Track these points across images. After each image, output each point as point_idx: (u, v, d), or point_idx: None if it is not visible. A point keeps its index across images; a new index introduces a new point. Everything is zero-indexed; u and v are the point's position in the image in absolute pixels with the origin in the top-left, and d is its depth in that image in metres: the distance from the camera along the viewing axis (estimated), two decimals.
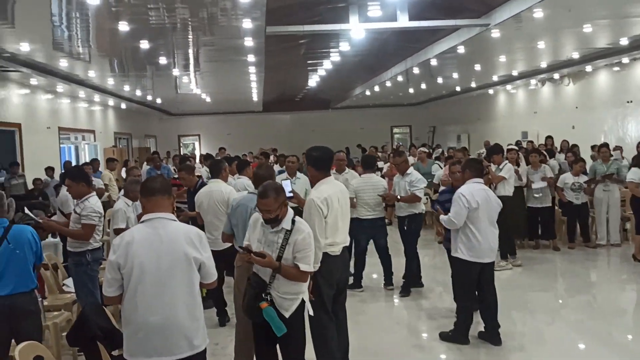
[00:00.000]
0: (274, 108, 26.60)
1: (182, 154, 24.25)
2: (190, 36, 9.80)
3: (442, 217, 5.36)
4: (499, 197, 8.05)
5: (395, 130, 30.67)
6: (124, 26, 8.37)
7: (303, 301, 3.80)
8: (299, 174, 7.97)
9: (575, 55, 14.41)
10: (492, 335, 5.33)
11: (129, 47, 10.56)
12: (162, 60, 11.95)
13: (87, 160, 16.53)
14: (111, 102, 19.27)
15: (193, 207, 6.51)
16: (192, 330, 3.15)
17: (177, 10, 7.90)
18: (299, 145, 23.78)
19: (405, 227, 7.09)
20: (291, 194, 5.07)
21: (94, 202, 5.37)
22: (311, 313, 3.91)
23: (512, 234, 8.42)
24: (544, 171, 9.16)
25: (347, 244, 4.56)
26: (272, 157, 15.80)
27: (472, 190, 5.20)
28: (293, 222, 3.76)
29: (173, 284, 3.11)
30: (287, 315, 3.71)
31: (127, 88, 16.63)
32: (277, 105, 26.52)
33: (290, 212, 3.84)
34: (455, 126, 26.95)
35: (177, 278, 3.12)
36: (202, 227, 5.60)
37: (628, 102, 15.00)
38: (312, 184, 4.52)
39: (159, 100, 21.09)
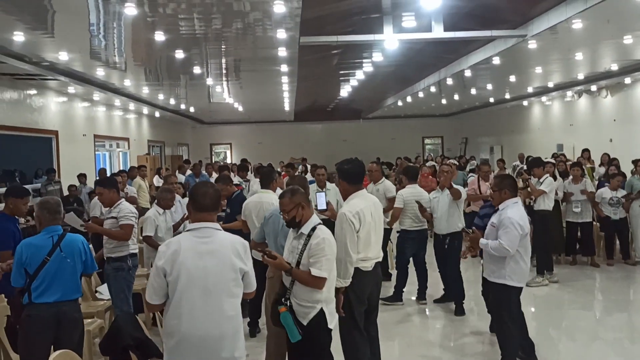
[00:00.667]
0: (305, 117, 26.68)
1: (213, 161, 24.49)
2: (224, 46, 9.89)
3: (490, 243, 4.85)
4: (539, 211, 7.99)
5: (427, 141, 30.41)
6: (159, 36, 8.50)
7: (322, 312, 3.73)
8: (328, 185, 7.96)
9: (614, 67, 14.06)
10: (529, 353, 5.14)
11: (163, 56, 10.73)
12: (196, 70, 12.10)
13: (121, 167, 16.85)
14: (145, 110, 19.60)
15: (230, 215, 6.51)
16: (235, 341, 3.13)
17: (212, 21, 7.98)
18: (330, 155, 23.80)
19: (447, 246, 6.75)
20: (324, 207, 4.99)
21: (127, 204, 5.49)
22: (331, 326, 3.81)
23: (550, 249, 8.21)
24: (585, 185, 8.93)
25: (380, 259, 4.48)
26: (301, 167, 15.82)
27: (522, 214, 4.94)
28: (314, 228, 3.76)
29: (219, 294, 3.09)
30: (304, 322, 3.70)
31: (161, 97, 16.89)
32: (309, 115, 26.58)
33: (315, 219, 3.84)
34: (487, 138, 26.58)
35: (223, 288, 3.10)
36: (246, 237, 5.56)
37: None
38: (344, 198, 4.46)
39: (192, 109, 21.36)
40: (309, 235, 3.74)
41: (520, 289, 5.00)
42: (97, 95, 15.00)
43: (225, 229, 3.42)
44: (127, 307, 5.23)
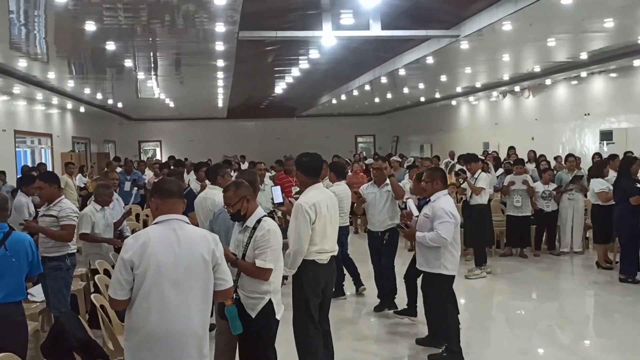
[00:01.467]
0: (239, 114, 26.38)
1: (140, 159, 23.73)
2: (157, 39, 9.59)
3: (427, 235, 4.91)
4: (475, 205, 8.28)
5: (360, 139, 30.88)
6: (84, 26, 8.12)
7: (270, 302, 3.75)
8: (266, 180, 8.04)
9: (537, 69, 14.83)
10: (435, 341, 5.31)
11: (89, 48, 10.27)
12: (125, 63, 11.66)
13: (47, 165, 15.97)
14: (70, 105, 18.71)
15: (184, 212, 6.32)
16: (203, 338, 3.05)
17: (142, 12, 7.67)
18: (263, 152, 23.64)
19: (385, 241, 6.61)
20: (280, 200, 5.04)
21: (68, 203, 5.25)
22: (278, 317, 3.82)
23: (485, 242, 8.55)
24: (527, 177, 9.42)
25: (336, 252, 4.51)
26: (237, 164, 15.64)
27: (452, 204, 5.12)
28: (259, 221, 3.77)
29: (189, 288, 2.99)
30: (253, 314, 3.70)
31: (87, 91, 16.18)
32: (242, 112, 26.30)
33: (260, 212, 3.86)
34: (418, 136, 27.33)
35: (194, 281, 3.00)
36: None
37: (585, 114, 15.53)
38: (301, 190, 4.50)
39: (119, 105, 20.61)
40: (254, 228, 3.75)
41: (454, 276, 5.17)
42: (17, 88, 14.15)
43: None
44: (65, 308, 4.97)
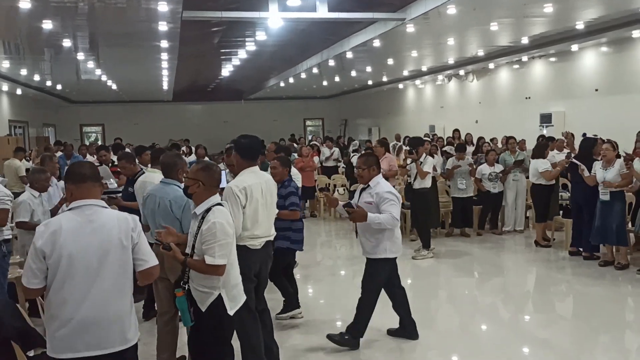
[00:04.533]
0: (184, 98, 25.82)
1: (82, 143, 22.90)
2: (96, 17, 9.21)
3: (380, 216, 4.77)
4: (419, 189, 8.42)
5: (308, 122, 30.86)
6: (19, 3, 7.69)
7: (220, 297, 3.56)
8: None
9: (480, 53, 15.17)
10: (410, 331, 5.28)
11: (25, 27, 9.77)
12: (63, 43, 11.17)
13: None
14: (5, 87, 17.84)
15: (128, 197, 6.11)
16: (125, 322, 2.96)
17: None
18: (211, 136, 23.26)
19: None
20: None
21: (1, 187, 4.94)
22: (231, 312, 3.61)
23: (430, 224, 8.74)
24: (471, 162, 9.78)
25: (272, 237, 4.43)
26: (185, 148, 15.33)
27: (390, 185, 5.12)
28: (208, 210, 3.55)
29: (106, 275, 2.90)
30: (203, 308, 3.54)
31: (23, 72, 15.43)
32: (188, 95, 25.75)
33: (213, 200, 3.62)
34: (366, 119, 27.55)
35: (110, 267, 2.91)
36: None
37: (526, 98, 16.04)
38: (237, 173, 4.34)
39: (59, 87, 19.79)
40: (203, 218, 3.56)
41: (396, 258, 5.15)
42: None
43: (126, 207, 3.20)
44: (2, 296, 4.76)
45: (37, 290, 2.88)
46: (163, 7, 8.26)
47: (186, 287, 3.55)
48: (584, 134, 10.31)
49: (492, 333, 5.70)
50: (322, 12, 9.65)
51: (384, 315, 5.33)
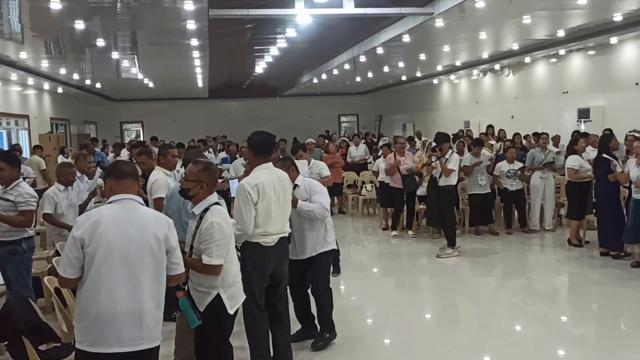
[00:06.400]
0: (220, 95, 26.13)
1: (122, 140, 23.53)
2: (128, 17, 9.43)
3: (310, 205, 4.75)
4: (444, 186, 8.27)
5: (343, 119, 30.80)
6: (56, 4, 7.94)
7: (219, 297, 3.56)
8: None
9: (515, 47, 14.81)
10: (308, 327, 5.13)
11: (64, 27, 10.07)
12: (100, 43, 11.47)
13: (23, 146, 15.76)
14: (46, 85, 18.42)
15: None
16: (155, 321, 3.02)
17: None
18: (247, 132, 23.25)
19: None
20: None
21: (26, 186, 5.11)
22: (231, 312, 3.62)
23: (455, 222, 8.62)
24: (485, 158, 9.51)
25: (286, 234, 4.37)
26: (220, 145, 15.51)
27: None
28: (207, 210, 3.55)
29: (141, 269, 2.96)
30: (201, 308, 3.55)
31: (62, 71, 15.92)
32: (224, 92, 26.05)
33: (211, 199, 3.61)
34: (401, 115, 27.30)
35: (146, 262, 2.97)
36: None
37: (564, 92, 15.58)
38: (250, 169, 4.33)
39: (98, 85, 20.33)
40: (201, 217, 3.55)
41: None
42: None
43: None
44: (28, 292, 4.91)
45: (72, 280, 2.94)
46: (189, 6, 8.38)
47: (186, 287, 3.59)
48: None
49: (526, 332, 5.57)
50: (349, 8, 9.60)
51: (405, 313, 5.29)
